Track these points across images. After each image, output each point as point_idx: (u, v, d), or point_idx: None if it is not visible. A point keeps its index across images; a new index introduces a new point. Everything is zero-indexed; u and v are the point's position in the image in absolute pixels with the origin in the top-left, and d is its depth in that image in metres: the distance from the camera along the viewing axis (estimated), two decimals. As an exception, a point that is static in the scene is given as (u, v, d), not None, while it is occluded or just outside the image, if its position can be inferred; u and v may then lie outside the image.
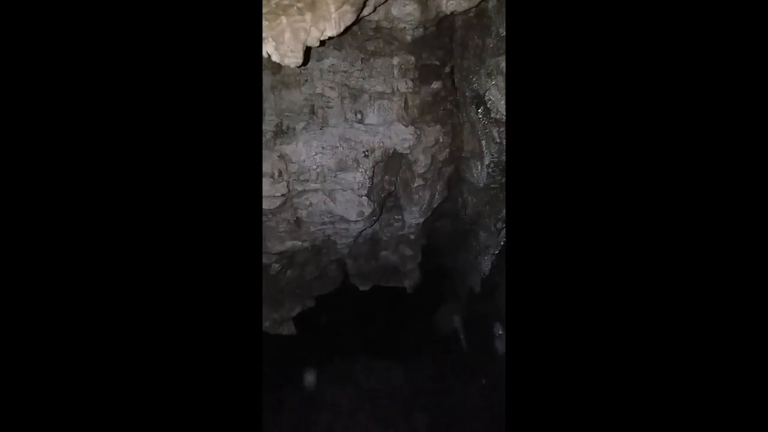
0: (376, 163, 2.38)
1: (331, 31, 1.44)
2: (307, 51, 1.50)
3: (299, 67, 1.58)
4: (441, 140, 2.38)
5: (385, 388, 2.83)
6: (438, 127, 2.35)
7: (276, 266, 2.69)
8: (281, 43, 1.38)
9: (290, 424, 2.60)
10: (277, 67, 2.20)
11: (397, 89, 2.25)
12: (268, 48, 1.38)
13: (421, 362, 2.95)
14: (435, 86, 2.31)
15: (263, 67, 2.18)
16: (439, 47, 2.27)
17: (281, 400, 2.68)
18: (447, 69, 2.35)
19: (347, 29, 1.54)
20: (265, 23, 1.35)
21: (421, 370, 2.92)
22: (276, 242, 2.57)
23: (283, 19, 1.36)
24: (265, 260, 2.66)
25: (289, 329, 2.87)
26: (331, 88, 2.24)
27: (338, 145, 2.29)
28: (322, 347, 2.92)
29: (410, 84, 2.26)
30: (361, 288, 3.13)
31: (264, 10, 1.37)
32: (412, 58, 2.21)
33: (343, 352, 2.93)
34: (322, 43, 1.54)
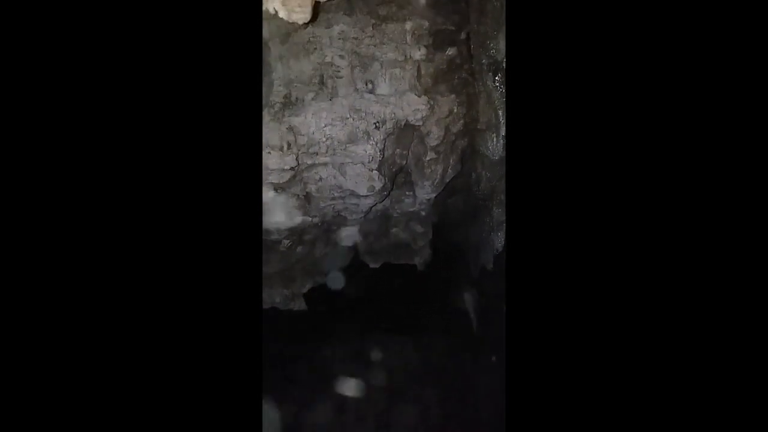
0: (388, 136, 2.30)
1: (341, -14, 1.35)
2: (316, 6, 1.41)
3: (307, 25, 1.49)
4: (455, 111, 2.29)
5: (397, 364, 2.83)
6: (452, 96, 2.26)
7: (286, 242, 2.66)
8: (289, -1, 1.30)
9: (302, 398, 2.63)
10: (285, 36, 2.12)
11: (410, 56, 2.15)
12: (275, 3, 1.30)
13: (432, 339, 2.95)
14: (450, 53, 2.21)
15: (271, 36, 2.10)
16: (454, 11, 2.16)
17: (293, 375, 2.70)
18: (463, 35, 2.24)
19: (358, -15, 1.45)
20: (271, -22, 1.27)
21: (432, 347, 2.91)
22: (286, 218, 2.54)
23: (291, -27, 1.28)
24: (275, 236, 2.63)
25: (299, 305, 2.87)
26: (341, 56, 2.15)
27: (348, 116, 2.21)
28: (333, 323, 2.92)
29: (423, 51, 2.16)
30: (372, 265, 3.10)
31: (270, -35, 1.29)
32: (426, 23, 2.11)
33: (355, 328, 2.93)
34: None
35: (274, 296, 2.85)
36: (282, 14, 1.30)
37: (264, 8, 1.28)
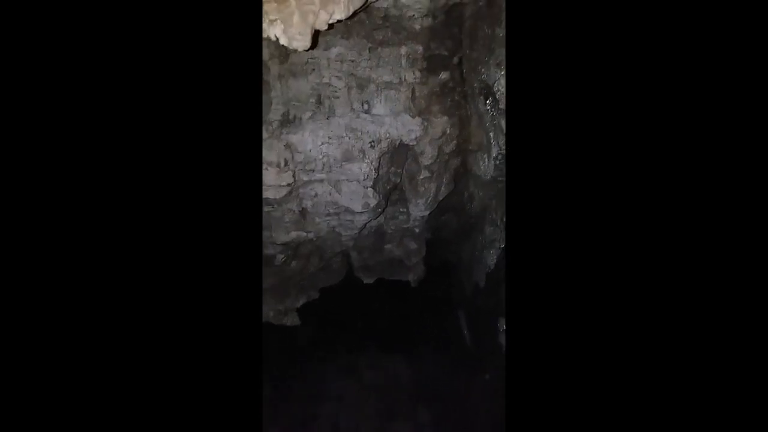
0: (382, 154, 2.36)
1: (339, 14, 1.43)
2: (315, 35, 1.49)
3: (307, 50, 1.57)
4: (448, 132, 2.36)
5: (390, 382, 2.82)
6: (445, 118, 2.33)
7: (281, 257, 2.68)
8: (290, 26, 1.37)
9: (295, 415, 2.60)
10: (284, 56, 2.19)
11: (405, 79, 2.23)
12: (276, 31, 1.37)
13: (425, 356, 2.94)
14: (443, 77, 2.29)
15: (271, 56, 2.17)
16: (448, 37, 2.25)
17: (286, 391, 2.68)
18: (455, 60, 2.33)
19: (355, 13, 1.53)
20: (273, 6, 1.34)
21: (425, 364, 2.91)
22: (281, 233, 2.57)
23: (292, 1, 1.35)
24: (270, 251, 2.66)
25: (293, 320, 2.86)
26: (338, 77, 2.22)
27: (344, 135, 2.27)
28: (326, 339, 2.91)
29: (418, 74, 2.24)
30: (366, 281, 3.11)
31: (272, -6, 1.36)
32: (421, 48, 2.19)
33: (348, 345, 2.92)
34: (330, 26, 1.53)
35: (267, 311, 2.86)
36: (283, 41, 1.37)
37: (265, 35, 1.35)
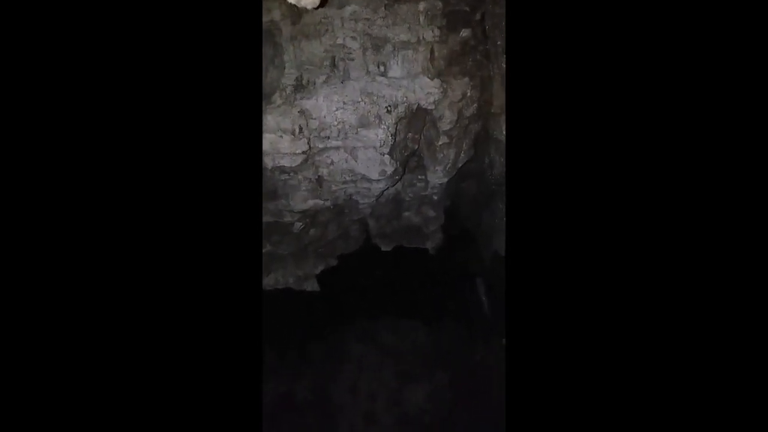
0: (399, 120, 2.28)
1: (351, -32, 1.32)
2: (326, -9, 1.40)
3: (318, 9, 1.48)
4: (469, 94, 2.24)
5: (408, 347, 2.88)
6: (466, 79, 2.21)
7: (299, 224, 2.70)
8: (297, -18, 1.29)
9: (315, 376, 2.71)
10: (297, 17, 2.09)
11: (423, 38, 2.10)
12: (284, -13, 1.29)
13: (443, 323, 2.97)
14: (464, 35, 2.15)
15: (283, 17, 2.08)
16: (469, -10, 2.09)
17: (305, 354, 2.78)
18: (477, 15, 2.17)
19: (368, -33, 1.42)
20: (279, -40, 1.25)
21: (443, 331, 2.94)
22: (298, 201, 2.56)
23: (299, -45, 1.25)
24: (287, 218, 2.67)
25: (312, 286, 2.92)
26: (353, 38, 2.12)
27: (360, 99, 2.19)
28: (345, 305, 2.97)
29: (437, 32, 2.11)
30: (384, 249, 3.12)
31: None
32: (440, 3, 2.05)
33: (367, 311, 2.98)
34: (342, -18, 1.43)
35: (287, 277, 2.92)
36: (292, 0, 1.29)
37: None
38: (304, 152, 2.28)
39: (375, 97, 2.20)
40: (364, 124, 2.25)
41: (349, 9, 2.06)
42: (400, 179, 2.63)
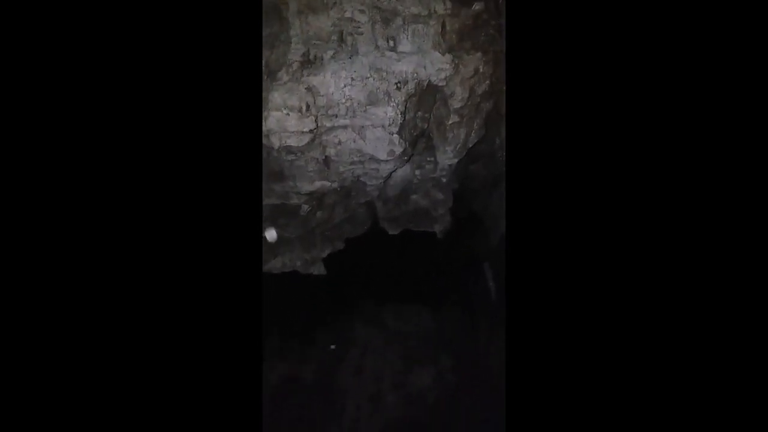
0: (409, 97, 2.22)
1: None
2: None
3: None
4: (481, 70, 2.17)
5: (414, 330, 2.86)
6: (479, 55, 2.14)
7: (306, 207, 2.66)
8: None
9: (321, 359, 2.70)
10: (303, -11, 2.02)
11: (434, 11, 2.03)
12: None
13: (450, 307, 2.95)
14: (477, 7, 2.07)
15: (288, -11, 2.01)
16: (483, -40, 2.01)
17: (312, 336, 2.77)
18: (491, -13, 2.09)
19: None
20: None
21: (450, 314, 2.92)
22: (305, 182, 2.52)
23: None
24: (294, 201, 2.63)
25: (319, 269, 2.89)
26: (361, 11, 2.05)
27: (369, 75, 2.13)
28: (352, 288, 2.95)
29: (449, 5, 2.03)
30: (391, 232, 3.08)
31: None
32: (452, -26, 1.97)
33: (373, 294, 2.95)
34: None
35: (294, 261, 2.89)
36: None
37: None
38: (311, 131, 2.22)
39: (384, 73, 2.13)
40: (372, 101, 2.19)
41: (357, -20, 1.98)
42: (408, 160, 2.58)
